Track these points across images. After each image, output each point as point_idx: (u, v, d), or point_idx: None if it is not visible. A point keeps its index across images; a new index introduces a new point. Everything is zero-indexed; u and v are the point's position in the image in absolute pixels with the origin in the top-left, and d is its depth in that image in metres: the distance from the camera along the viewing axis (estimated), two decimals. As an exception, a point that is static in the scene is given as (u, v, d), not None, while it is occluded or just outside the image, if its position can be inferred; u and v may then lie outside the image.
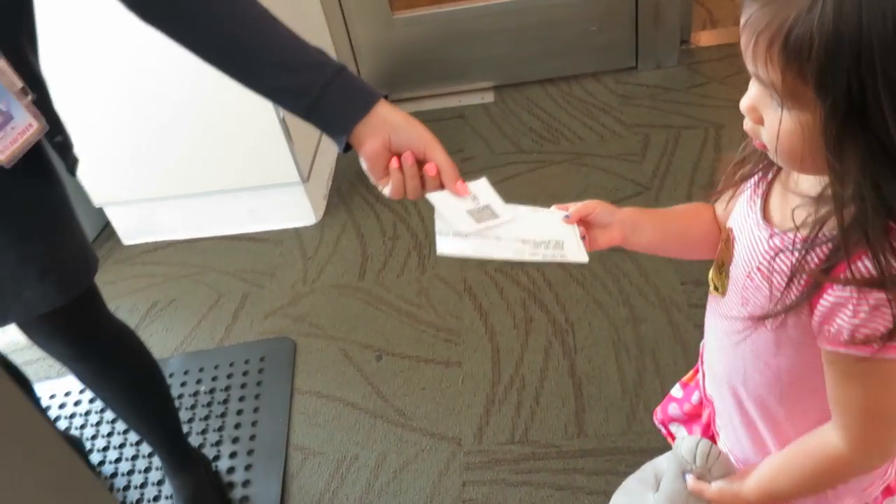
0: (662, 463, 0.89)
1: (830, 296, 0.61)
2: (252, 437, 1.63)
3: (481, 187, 0.84)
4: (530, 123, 2.44)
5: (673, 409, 1.01)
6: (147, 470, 1.59)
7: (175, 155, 2.08)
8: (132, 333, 1.24)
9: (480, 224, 0.80)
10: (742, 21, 0.58)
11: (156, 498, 1.53)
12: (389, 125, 0.82)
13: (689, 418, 0.99)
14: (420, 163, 0.83)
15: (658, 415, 1.05)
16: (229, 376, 1.78)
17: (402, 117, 0.83)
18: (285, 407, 1.68)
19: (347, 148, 0.84)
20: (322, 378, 1.74)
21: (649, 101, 2.42)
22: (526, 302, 1.82)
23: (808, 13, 0.52)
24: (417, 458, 1.53)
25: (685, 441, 0.82)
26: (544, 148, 2.31)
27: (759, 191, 0.73)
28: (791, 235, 0.65)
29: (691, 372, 0.99)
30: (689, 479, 0.81)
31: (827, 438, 0.69)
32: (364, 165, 0.85)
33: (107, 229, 2.32)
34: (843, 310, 0.60)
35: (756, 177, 0.74)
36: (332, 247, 2.11)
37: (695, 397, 0.96)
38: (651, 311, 1.72)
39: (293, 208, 2.18)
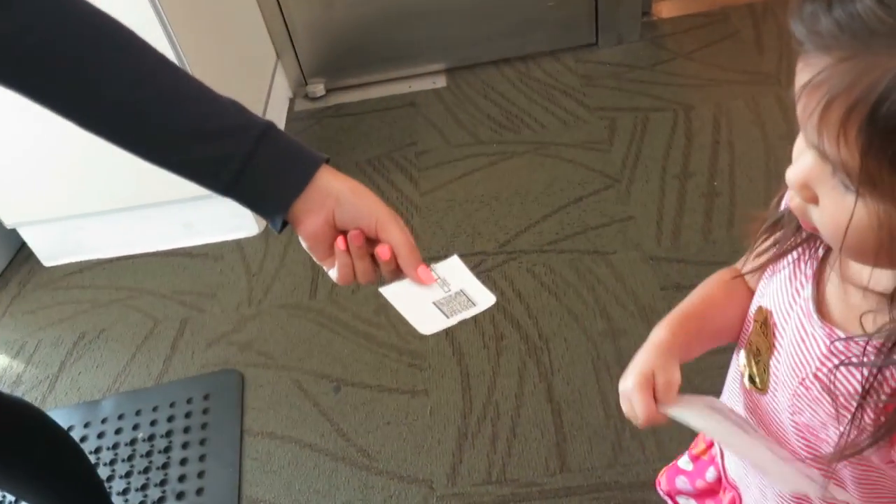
0: None
1: None
2: (199, 491, 1.46)
3: (450, 268, 0.67)
4: (487, 110, 2.26)
5: (681, 482, 0.87)
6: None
7: (98, 166, 1.85)
8: (30, 410, 1.05)
9: (451, 318, 0.64)
10: (802, 78, 0.42)
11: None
12: (333, 198, 0.65)
13: (702, 493, 0.86)
14: (372, 241, 0.67)
15: (662, 485, 0.92)
16: (170, 419, 1.59)
17: (348, 188, 0.66)
18: (235, 452, 1.51)
19: (283, 226, 0.67)
20: (274, 416, 1.57)
21: (613, 80, 2.26)
22: (495, 316, 1.67)
23: None
24: (386, 505, 1.39)
25: None
26: (504, 137, 2.14)
27: (807, 269, 0.58)
28: (861, 342, 0.50)
29: (703, 445, 0.85)
30: None
31: None
32: (304, 245, 0.68)
33: (23, 250, 2.08)
34: None
35: (798, 249, 0.59)
36: (278, 260, 1.92)
37: (710, 475, 0.83)
38: (630, 323, 1.59)
39: (233, 218, 1.98)
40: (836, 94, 0.40)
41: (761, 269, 0.63)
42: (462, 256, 2.10)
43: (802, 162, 0.46)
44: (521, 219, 1.88)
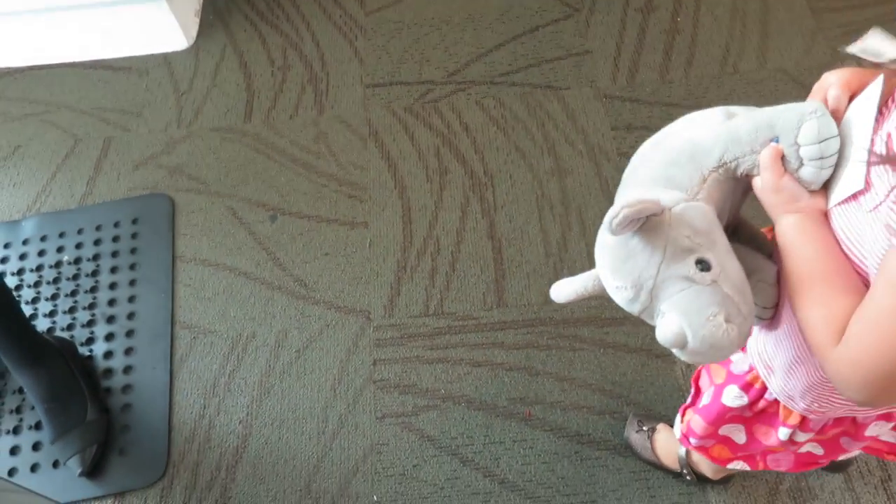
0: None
1: None
2: (131, 316, 1.43)
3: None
4: (443, -79, 2.04)
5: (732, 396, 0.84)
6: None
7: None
8: None
9: None
10: None
11: None
12: None
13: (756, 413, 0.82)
14: None
15: (697, 429, 0.89)
16: (97, 243, 1.53)
17: None
18: (167, 278, 1.47)
19: None
20: (208, 243, 1.52)
21: None
22: (440, 150, 1.60)
23: None
24: (322, 334, 1.39)
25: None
26: (460, -46, 1.96)
27: None
28: None
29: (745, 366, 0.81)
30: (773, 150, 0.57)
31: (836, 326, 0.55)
32: None
33: (-80, 53, 1.86)
34: None
35: None
36: (209, 78, 1.78)
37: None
38: (578, 162, 1.55)
39: (157, 29, 1.80)
40: None
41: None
42: (407, 84, 1.97)
43: None
44: (473, 46, 1.77)
